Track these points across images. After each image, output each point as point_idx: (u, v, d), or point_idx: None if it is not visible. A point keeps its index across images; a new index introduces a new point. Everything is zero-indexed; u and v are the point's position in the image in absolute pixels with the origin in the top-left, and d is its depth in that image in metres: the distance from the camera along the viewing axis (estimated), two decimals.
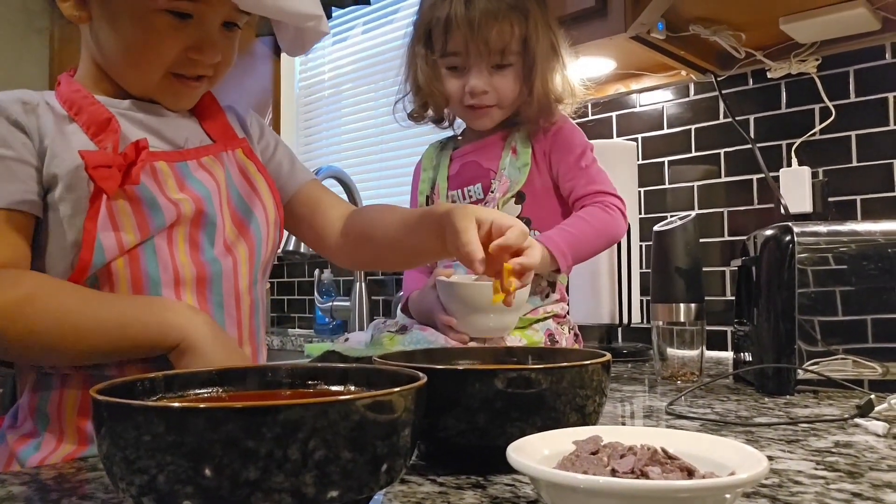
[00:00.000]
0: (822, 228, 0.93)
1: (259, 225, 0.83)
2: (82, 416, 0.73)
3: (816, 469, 0.56)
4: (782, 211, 1.36)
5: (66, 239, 0.72)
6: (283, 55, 2.49)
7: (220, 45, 0.78)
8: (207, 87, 0.83)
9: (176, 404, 0.37)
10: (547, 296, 1.05)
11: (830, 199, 1.36)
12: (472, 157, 1.11)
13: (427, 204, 1.14)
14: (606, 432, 0.47)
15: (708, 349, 1.10)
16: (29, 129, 0.73)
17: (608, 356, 0.59)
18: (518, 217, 1.04)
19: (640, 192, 1.60)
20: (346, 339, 1.06)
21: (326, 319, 2.21)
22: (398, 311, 1.12)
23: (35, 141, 0.73)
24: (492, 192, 1.06)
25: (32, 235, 0.73)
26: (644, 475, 0.40)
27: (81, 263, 0.71)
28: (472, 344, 0.95)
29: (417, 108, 1.14)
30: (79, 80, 0.81)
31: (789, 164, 1.40)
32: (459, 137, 1.19)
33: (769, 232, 0.96)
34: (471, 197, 1.09)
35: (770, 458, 0.59)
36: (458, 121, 1.19)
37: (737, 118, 1.47)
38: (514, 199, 1.05)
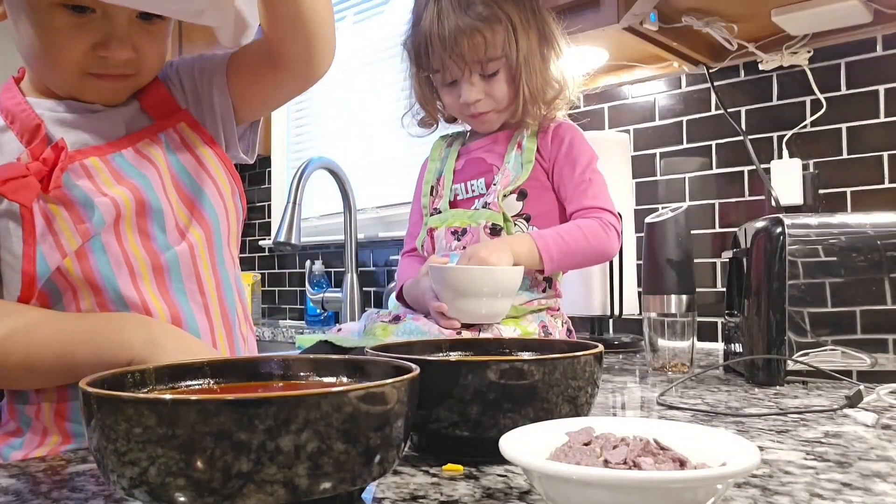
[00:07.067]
0: (813, 220, 0.94)
1: (211, 202, 0.80)
2: (60, 418, 0.73)
3: (806, 459, 0.56)
4: (773, 203, 1.36)
5: (15, 251, 0.71)
6: None
7: (131, 40, 0.70)
8: (135, 84, 0.77)
9: (167, 396, 0.37)
10: (544, 290, 1.06)
11: (821, 192, 1.36)
12: (479, 153, 1.12)
13: (431, 194, 1.14)
14: (599, 423, 0.47)
15: (698, 340, 1.11)
16: None
17: (600, 347, 0.59)
18: (519, 213, 1.06)
19: (632, 183, 1.60)
20: (339, 330, 1.06)
21: (317, 311, 2.21)
22: (391, 300, 1.12)
23: None
24: (494, 184, 1.06)
25: None
26: (636, 466, 0.40)
27: (26, 277, 0.70)
28: (466, 333, 0.95)
29: (426, 117, 1.17)
30: (26, 81, 0.78)
31: (780, 157, 1.40)
32: (468, 134, 1.19)
33: (760, 224, 0.96)
34: (473, 191, 1.09)
35: (760, 448, 0.59)
36: None
37: (728, 110, 1.48)
38: (515, 196, 1.05)
